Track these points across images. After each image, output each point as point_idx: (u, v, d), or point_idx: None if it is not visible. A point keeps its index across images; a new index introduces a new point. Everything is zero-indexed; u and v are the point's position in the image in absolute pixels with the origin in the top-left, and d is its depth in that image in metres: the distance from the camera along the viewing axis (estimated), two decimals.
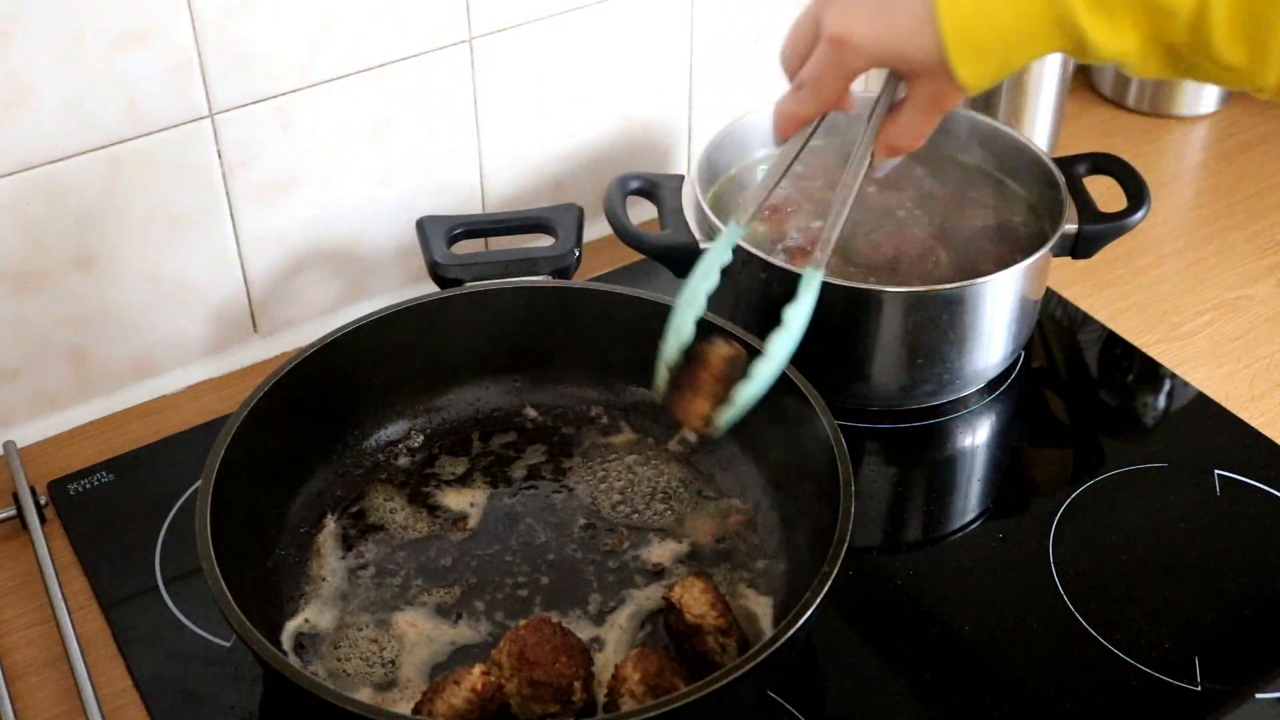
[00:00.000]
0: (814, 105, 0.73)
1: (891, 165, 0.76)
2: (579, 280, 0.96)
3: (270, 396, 0.84)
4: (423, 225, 0.98)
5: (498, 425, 0.94)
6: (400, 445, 0.92)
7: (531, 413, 0.95)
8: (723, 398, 0.76)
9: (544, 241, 0.99)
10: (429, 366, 0.93)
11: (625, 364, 0.93)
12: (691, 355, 0.77)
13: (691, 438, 0.84)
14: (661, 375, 0.77)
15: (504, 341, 0.94)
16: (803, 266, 0.75)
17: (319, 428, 0.89)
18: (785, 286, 0.91)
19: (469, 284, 0.94)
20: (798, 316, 0.75)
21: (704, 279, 0.77)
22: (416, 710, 0.73)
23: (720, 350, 0.78)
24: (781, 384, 0.84)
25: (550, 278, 0.95)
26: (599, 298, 0.92)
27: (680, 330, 0.77)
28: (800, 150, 0.76)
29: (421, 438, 0.93)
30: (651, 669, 0.73)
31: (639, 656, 0.74)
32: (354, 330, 0.89)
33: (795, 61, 0.73)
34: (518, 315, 0.93)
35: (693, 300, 0.77)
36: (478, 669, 0.73)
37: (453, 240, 0.98)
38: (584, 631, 0.79)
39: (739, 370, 0.76)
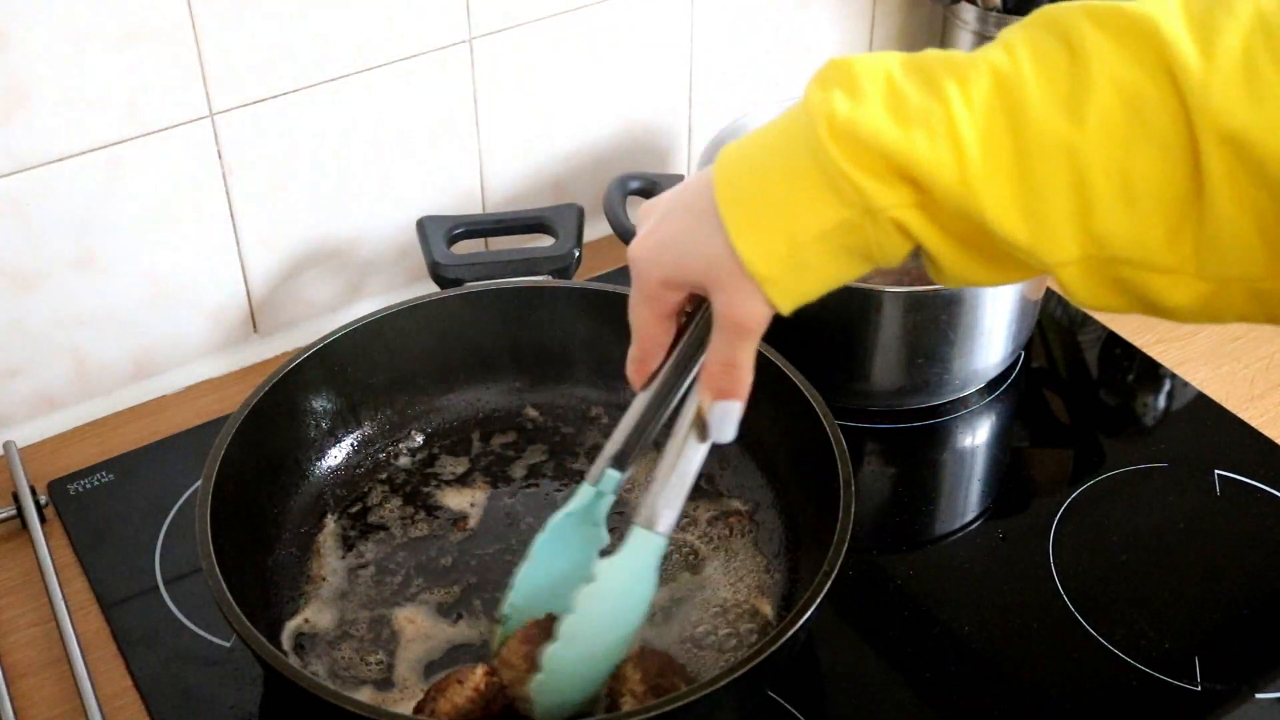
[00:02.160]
0: (641, 347, 0.66)
1: (731, 420, 0.65)
2: (579, 280, 0.96)
3: (270, 396, 0.84)
4: (423, 225, 0.98)
5: (498, 425, 0.94)
6: (400, 445, 0.92)
7: (532, 412, 0.95)
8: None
9: (544, 241, 0.99)
10: (429, 366, 0.93)
11: (625, 364, 0.93)
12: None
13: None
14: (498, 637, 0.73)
15: (504, 341, 0.94)
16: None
17: (318, 428, 0.89)
18: None
19: (469, 284, 0.94)
20: (613, 573, 0.68)
21: (551, 549, 0.72)
22: (419, 709, 0.73)
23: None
24: (782, 384, 0.84)
25: (550, 278, 0.95)
26: (599, 298, 0.92)
27: (518, 603, 0.72)
28: (659, 407, 0.68)
29: (422, 437, 0.93)
30: (652, 669, 0.73)
31: (639, 656, 0.74)
32: (354, 330, 0.89)
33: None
34: (518, 315, 0.93)
35: (534, 569, 0.72)
36: (481, 668, 0.72)
37: (453, 240, 0.98)
38: None
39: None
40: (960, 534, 0.91)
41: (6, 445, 0.94)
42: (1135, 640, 0.82)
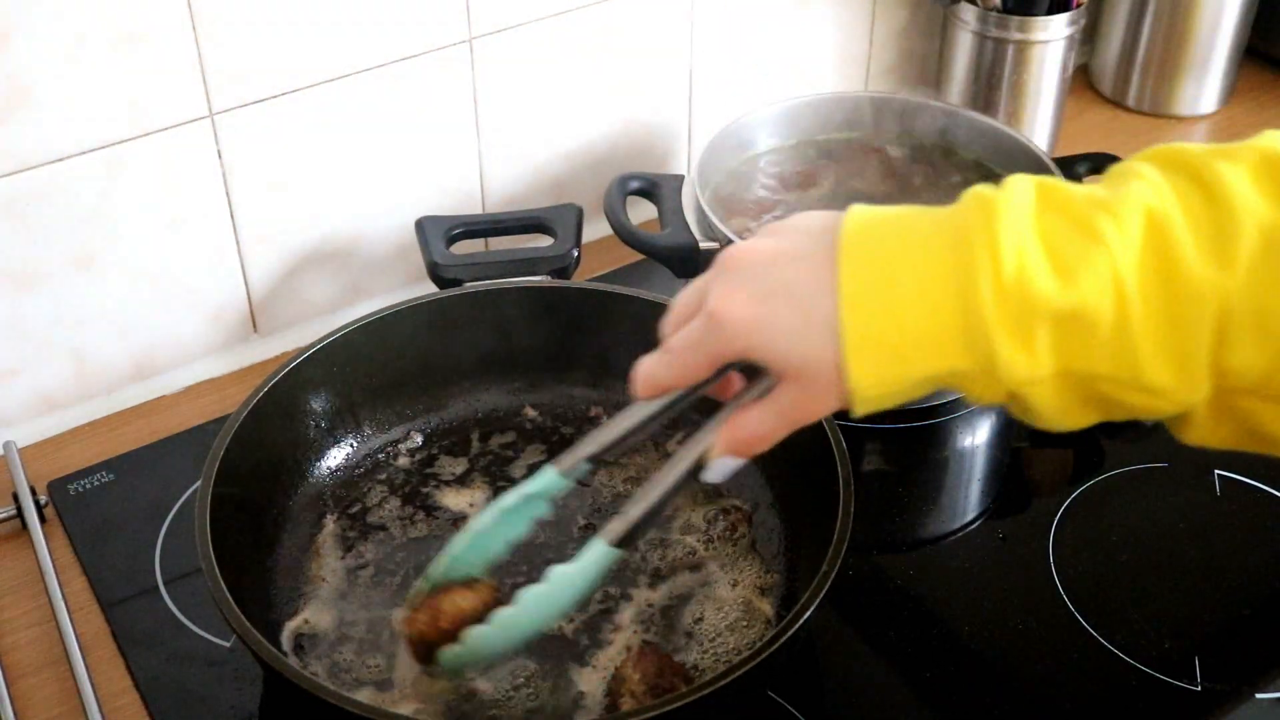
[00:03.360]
0: (672, 375, 0.64)
1: (725, 469, 0.65)
2: (578, 280, 0.96)
3: (270, 396, 0.84)
4: (422, 225, 0.98)
5: (497, 425, 0.94)
6: (400, 445, 0.92)
7: (531, 413, 0.95)
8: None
9: (543, 242, 0.99)
10: (428, 367, 0.93)
11: (625, 364, 0.92)
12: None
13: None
14: (417, 591, 0.73)
15: (503, 342, 0.94)
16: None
17: (318, 428, 0.89)
18: None
19: (468, 284, 0.94)
20: (567, 578, 0.67)
21: (501, 518, 0.71)
22: (414, 608, 0.72)
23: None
24: None
25: (549, 278, 0.95)
26: (598, 298, 0.92)
27: (458, 556, 0.71)
28: (652, 419, 0.67)
29: (421, 438, 0.93)
30: (651, 669, 0.73)
31: (639, 656, 0.74)
32: (354, 330, 0.89)
33: (672, 326, 0.65)
34: (517, 315, 0.93)
35: (480, 534, 0.71)
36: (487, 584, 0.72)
37: (452, 240, 0.98)
38: (584, 633, 0.79)
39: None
40: (960, 534, 0.91)
41: (6, 445, 0.94)
42: (1135, 640, 0.82)
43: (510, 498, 0.71)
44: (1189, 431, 0.59)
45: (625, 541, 0.67)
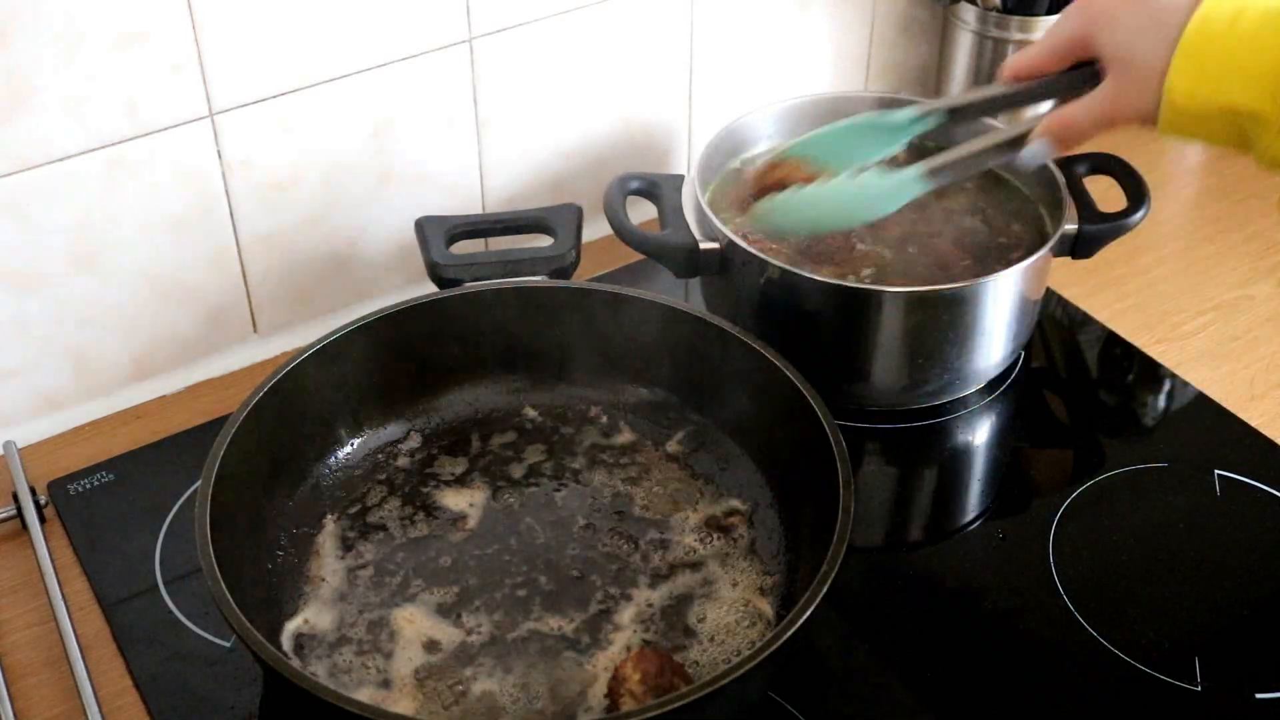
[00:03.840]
0: (1026, 59, 0.77)
1: (1039, 154, 0.78)
2: (578, 280, 0.96)
3: (270, 396, 0.84)
4: (421, 226, 0.98)
5: (497, 425, 0.94)
6: (399, 445, 0.92)
7: (531, 412, 0.95)
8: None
9: (543, 241, 0.99)
10: (428, 367, 0.93)
11: (625, 364, 0.93)
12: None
13: None
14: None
15: (503, 342, 0.94)
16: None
17: (318, 428, 0.89)
18: (785, 287, 0.92)
19: (468, 284, 0.94)
20: (875, 184, 0.79)
21: (857, 133, 0.82)
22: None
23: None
24: (782, 384, 0.84)
25: (549, 278, 0.95)
26: (598, 298, 0.92)
27: (810, 145, 0.82)
28: (1005, 98, 0.79)
29: (420, 438, 0.93)
30: (652, 669, 0.73)
31: (639, 657, 0.74)
32: (354, 330, 0.89)
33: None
34: (517, 315, 0.93)
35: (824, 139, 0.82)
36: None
37: (451, 240, 0.97)
38: (584, 633, 0.79)
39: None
40: (960, 534, 0.91)
41: (6, 445, 0.94)
42: (1135, 640, 0.82)
43: (865, 119, 0.82)
44: None
45: (937, 174, 0.80)
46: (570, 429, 0.94)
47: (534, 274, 0.95)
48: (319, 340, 0.88)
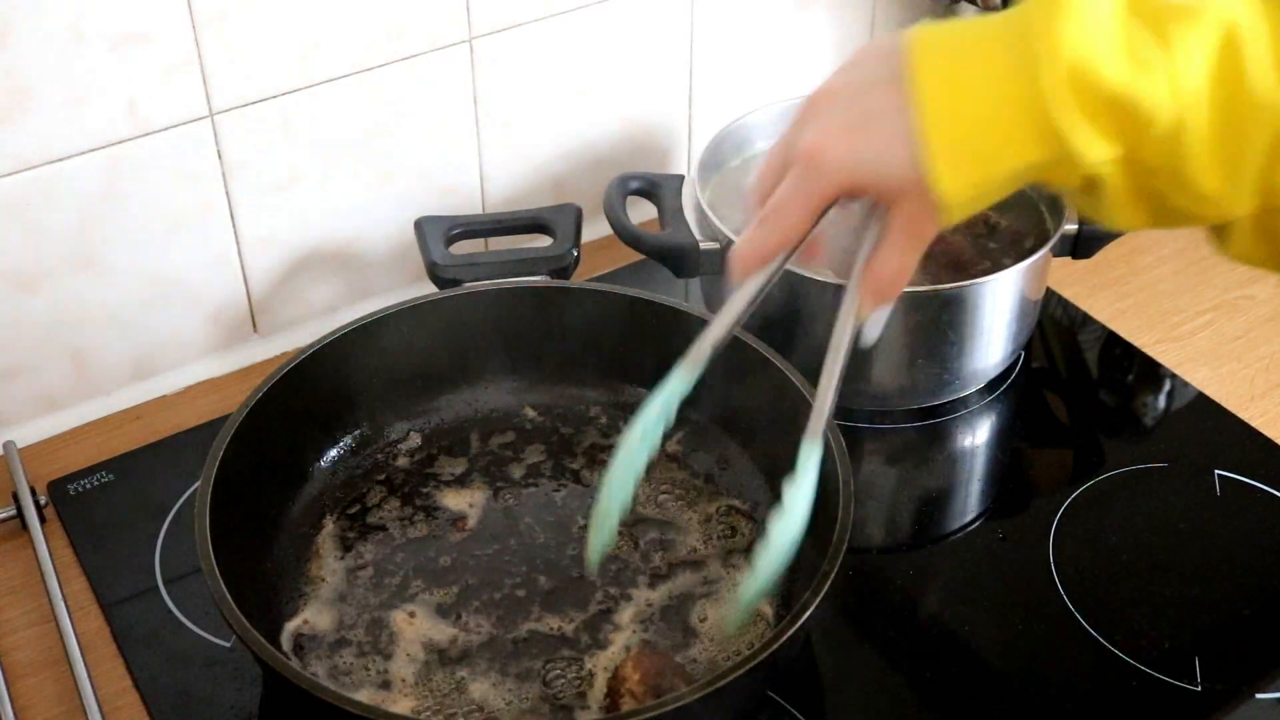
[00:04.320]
0: (777, 236, 0.65)
1: (881, 323, 0.68)
2: (578, 280, 0.96)
3: (270, 396, 0.84)
4: (421, 226, 0.98)
5: (496, 425, 0.94)
6: (399, 445, 0.92)
7: (530, 413, 0.95)
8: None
9: (542, 242, 0.99)
10: (427, 367, 0.93)
11: (624, 364, 0.93)
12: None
13: None
14: (595, 554, 0.72)
15: (503, 342, 0.94)
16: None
17: (318, 428, 0.89)
18: (785, 286, 0.92)
19: (467, 284, 0.94)
20: (800, 499, 0.69)
21: (643, 433, 0.70)
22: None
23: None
24: (781, 384, 0.84)
25: (548, 278, 0.95)
26: (598, 298, 0.92)
27: (617, 500, 0.71)
28: (757, 297, 0.68)
29: (420, 438, 0.93)
30: (652, 669, 0.73)
31: (639, 657, 0.74)
32: (354, 330, 0.89)
33: (762, 193, 0.66)
34: (516, 315, 0.93)
35: (630, 449, 0.70)
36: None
37: (451, 240, 0.98)
38: (584, 633, 0.79)
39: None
40: (960, 534, 0.91)
41: (6, 445, 0.94)
42: (1135, 640, 0.82)
43: (652, 408, 0.71)
44: (1229, 245, 0.62)
45: (829, 428, 0.71)
46: (570, 429, 0.94)
47: (533, 274, 0.95)
48: (319, 340, 0.88)
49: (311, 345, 0.88)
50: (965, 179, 0.59)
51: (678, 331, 0.91)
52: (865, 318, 0.67)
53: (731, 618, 0.78)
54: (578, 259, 0.96)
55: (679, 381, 0.70)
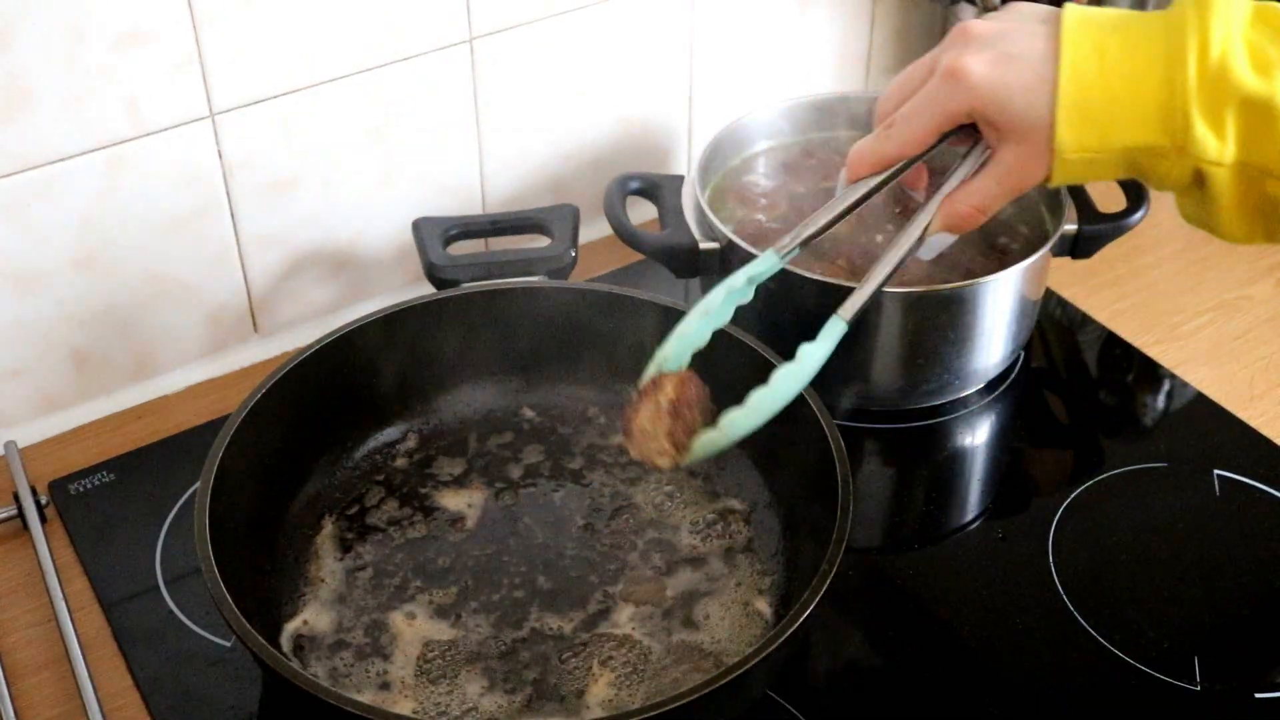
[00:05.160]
0: (895, 145, 0.71)
1: (943, 245, 0.73)
2: (577, 280, 0.96)
3: (270, 396, 0.84)
4: (419, 226, 0.98)
5: (495, 426, 0.94)
6: (398, 446, 0.92)
7: (529, 413, 0.95)
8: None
9: (540, 242, 0.99)
10: (426, 367, 0.93)
11: (623, 364, 0.93)
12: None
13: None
14: (649, 374, 0.74)
15: (501, 342, 0.94)
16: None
17: (318, 428, 0.89)
18: (784, 286, 0.92)
19: (465, 285, 0.94)
20: (812, 356, 0.72)
21: (727, 295, 0.74)
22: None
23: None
24: None
25: (546, 278, 0.95)
26: (597, 298, 0.92)
27: (687, 335, 0.74)
28: (859, 204, 0.73)
29: (418, 438, 0.93)
30: (691, 396, 0.73)
31: (688, 379, 0.73)
32: (353, 330, 0.89)
33: (893, 102, 0.72)
34: (515, 316, 0.93)
35: (709, 309, 0.74)
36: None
37: (449, 241, 0.98)
38: (584, 633, 0.79)
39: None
40: (960, 534, 0.91)
41: (7, 445, 0.94)
42: (1135, 640, 0.82)
43: (738, 278, 0.74)
44: None
45: (858, 317, 0.73)
46: (568, 429, 0.94)
47: (531, 274, 0.95)
48: (319, 340, 0.88)
49: (311, 345, 0.88)
50: (1082, 139, 0.65)
51: None
52: (931, 234, 0.72)
53: (707, 440, 0.73)
54: (575, 259, 0.96)
55: (764, 264, 0.74)
